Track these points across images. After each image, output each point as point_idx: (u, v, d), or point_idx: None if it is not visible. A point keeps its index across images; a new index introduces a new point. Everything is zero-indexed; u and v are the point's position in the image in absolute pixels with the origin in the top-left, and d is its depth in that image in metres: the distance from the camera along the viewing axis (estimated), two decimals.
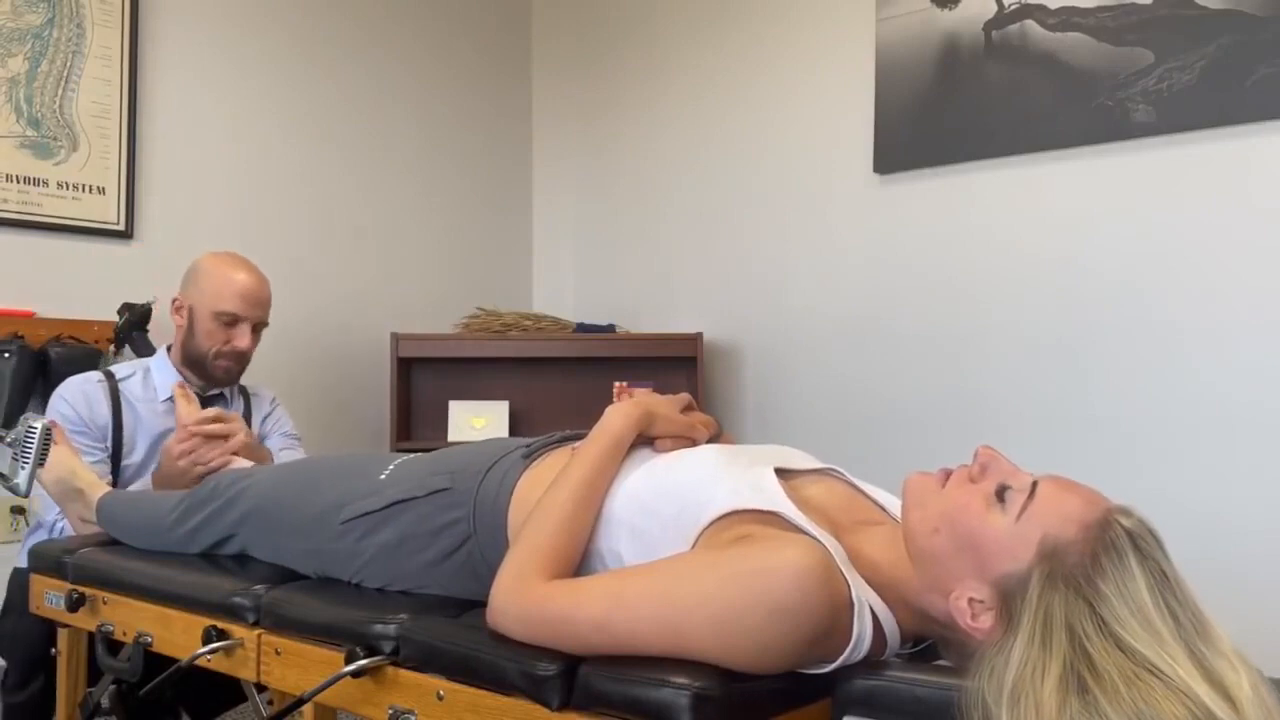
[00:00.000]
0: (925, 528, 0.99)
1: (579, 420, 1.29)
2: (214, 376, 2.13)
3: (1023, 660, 0.84)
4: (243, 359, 2.13)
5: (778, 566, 0.93)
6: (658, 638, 0.97)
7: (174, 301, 2.11)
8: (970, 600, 0.94)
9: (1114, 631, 0.83)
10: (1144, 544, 0.87)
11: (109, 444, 2.01)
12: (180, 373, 2.10)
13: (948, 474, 1.01)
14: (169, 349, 2.15)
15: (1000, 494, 0.95)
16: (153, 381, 2.09)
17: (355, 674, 1.15)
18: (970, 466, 1.00)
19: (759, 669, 0.96)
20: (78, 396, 2.01)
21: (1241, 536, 2.29)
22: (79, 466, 1.80)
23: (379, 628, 1.17)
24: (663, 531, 1.10)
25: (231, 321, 2.09)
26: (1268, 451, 2.28)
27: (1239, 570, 2.26)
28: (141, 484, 2.01)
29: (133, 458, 2.04)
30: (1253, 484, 2.30)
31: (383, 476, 1.38)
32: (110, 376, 2.07)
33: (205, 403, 2.08)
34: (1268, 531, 2.26)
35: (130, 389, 2.07)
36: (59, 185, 2.68)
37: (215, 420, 1.89)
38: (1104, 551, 0.87)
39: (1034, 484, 0.95)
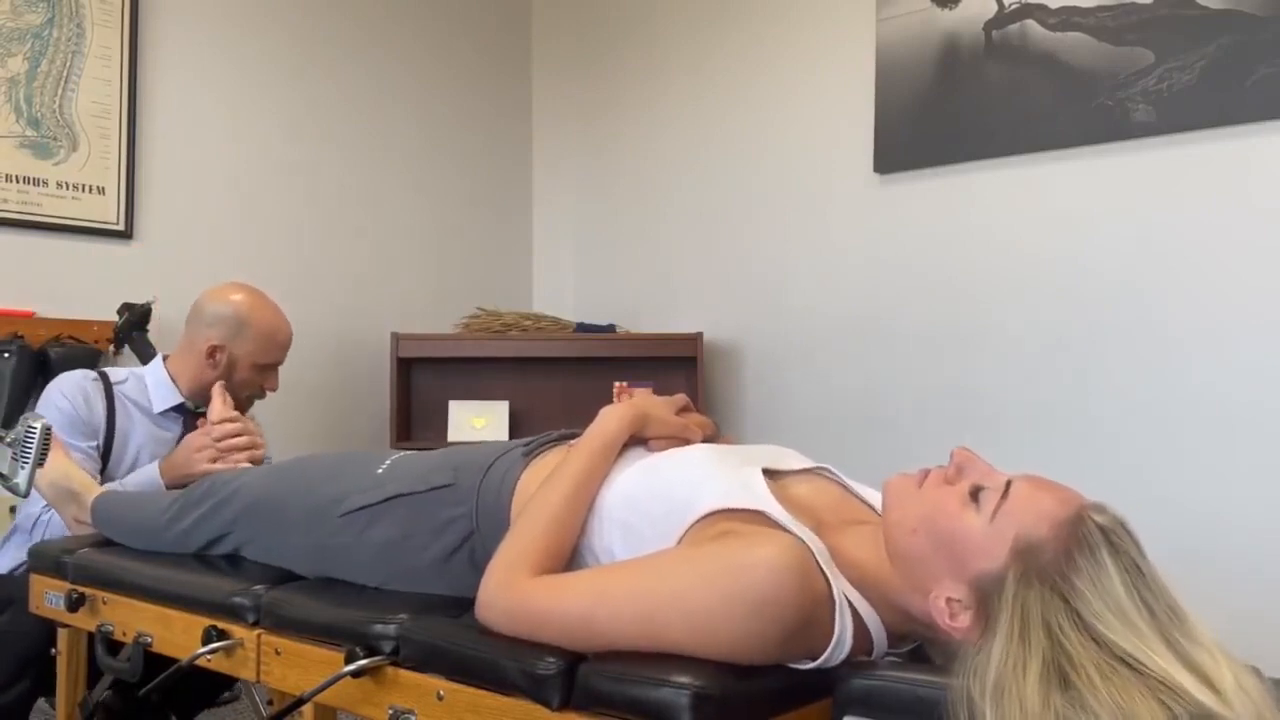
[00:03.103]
0: (904, 528, 1.00)
1: (579, 421, 1.29)
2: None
3: (1003, 657, 0.85)
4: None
5: (753, 563, 0.94)
6: (638, 632, 0.98)
7: (211, 348, 2.04)
8: (948, 600, 0.95)
9: (1090, 626, 0.84)
10: (1117, 539, 0.88)
11: (100, 442, 2.00)
12: (183, 396, 2.09)
13: (926, 473, 1.02)
14: (165, 359, 2.11)
15: (975, 494, 0.96)
16: (148, 394, 2.08)
17: (355, 674, 1.14)
18: (946, 468, 1.01)
19: (736, 664, 0.96)
20: (76, 393, 1.99)
21: (1241, 536, 2.29)
22: (72, 468, 1.80)
23: (379, 628, 1.17)
24: (653, 530, 1.11)
25: (270, 367, 2.12)
26: (1268, 451, 2.28)
27: (1240, 570, 2.26)
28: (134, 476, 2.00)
29: (122, 458, 2.02)
30: (1253, 484, 2.30)
31: (380, 471, 1.38)
32: (104, 377, 2.06)
33: (194, 416, 2.07)
34: (1268, 531, 2.26)
35: (126, 391, 2.05)
36: (59, 185, 2.68)
37: (244, 431, 1.91)
38: (1077, 548, 0.88)
39: (1008, 483, 0.96)
